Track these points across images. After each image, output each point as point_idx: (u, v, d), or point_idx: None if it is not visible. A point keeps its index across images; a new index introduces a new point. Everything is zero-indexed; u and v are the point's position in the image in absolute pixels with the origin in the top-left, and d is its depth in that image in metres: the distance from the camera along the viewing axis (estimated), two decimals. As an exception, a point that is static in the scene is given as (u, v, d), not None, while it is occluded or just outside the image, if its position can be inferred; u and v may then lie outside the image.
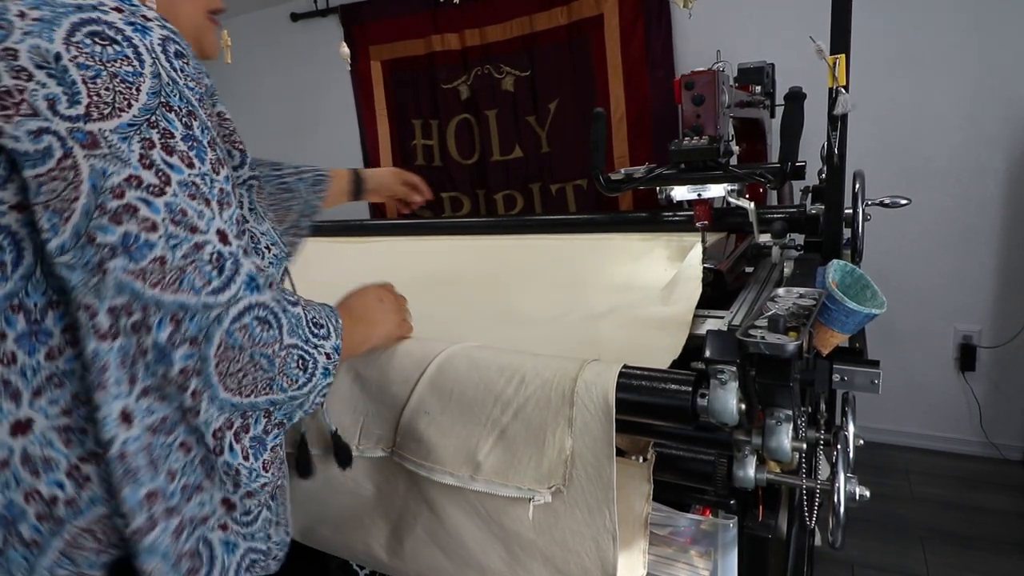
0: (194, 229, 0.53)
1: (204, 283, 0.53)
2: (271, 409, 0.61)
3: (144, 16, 0.55)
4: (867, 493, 0.73)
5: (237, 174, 0.68)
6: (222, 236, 0.55)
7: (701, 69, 1.20)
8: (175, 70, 0.55)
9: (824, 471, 0.77)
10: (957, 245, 2.19)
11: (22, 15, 0.51)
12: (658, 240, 1.46)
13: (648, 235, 1.49)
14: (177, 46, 0.57)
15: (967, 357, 2.24)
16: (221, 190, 0.57)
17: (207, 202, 0.55)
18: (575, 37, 2.51)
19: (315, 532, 0.97)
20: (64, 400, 0.55)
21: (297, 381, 0.61)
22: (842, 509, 0.72)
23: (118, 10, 0.54)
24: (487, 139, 2.76)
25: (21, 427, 0.55)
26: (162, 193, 0.52)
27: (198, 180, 0.54)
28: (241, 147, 0.69)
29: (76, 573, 0.57)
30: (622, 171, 1.34)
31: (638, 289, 1.24)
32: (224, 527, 0.63)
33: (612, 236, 1.56)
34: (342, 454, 0.86)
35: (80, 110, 0.50)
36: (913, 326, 2.28)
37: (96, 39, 0.51)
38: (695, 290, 1.05)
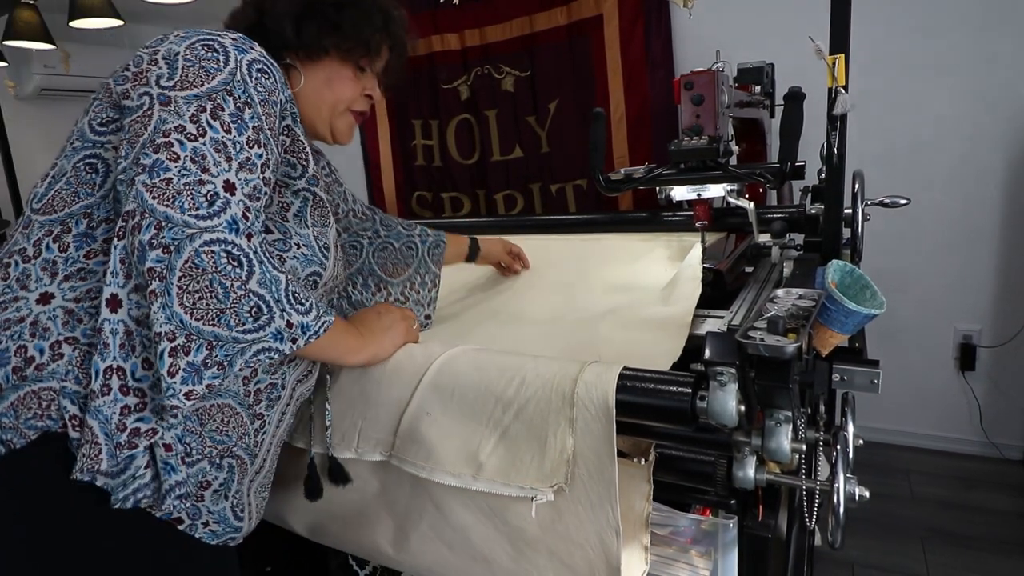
0: (204, 170, 0.66)
1: (191, 206, 0.64)
2: (213, 343, 0.66)
3: (251, 46, 0.74)
4: (867, 493, 0.73)
5: (295, 183, 0.81)
6: (228, 186, 0.67)
7: (701, 69, 1.20)
8: (250, 76, 0.72)
9: (824, 471, 0.77)
10: (957, 245, 2.19)
11: (177, 35, 0.73)
12: (658, 240, 1.46)
13: (648, 235, 1.50)
14: (263, 65, 0.74)
15: (967, 357, 2.24)
16: (247, 158, 0.69)
17: (228, 159, 0.68)
18: (575, 37, 2.51)
19: (322, 528, 0.98)
20: (80, 291, 0.71)
21: (244, 324, 0.66)
22: (842, 509, 0.72)
23: (233, 40, 0.73)
24: (487, 139, 2.76)
25: (45, 298, 0.70)
26: (195, 140, 0.66)
27: (228, 143, 0.68)
28: (305, 162, 0.81)
29: (15, 426, 0.68)
30: (622, 171, 1.35)
31: (638, 289, 1.24)
32: (167, 447, 0.70)
33: (612, 236, 1.56)
34: (336, 474, 0.90)
35: (172, 82, 0.69)
36: (913, 326, 2.28)
37: (205, 47, 0.71)
38: (695, 291, 1.05)
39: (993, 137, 2.08)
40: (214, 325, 0.64)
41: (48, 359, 0.68)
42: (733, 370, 0.68)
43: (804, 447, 0.74)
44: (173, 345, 0.64)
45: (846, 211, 1.15)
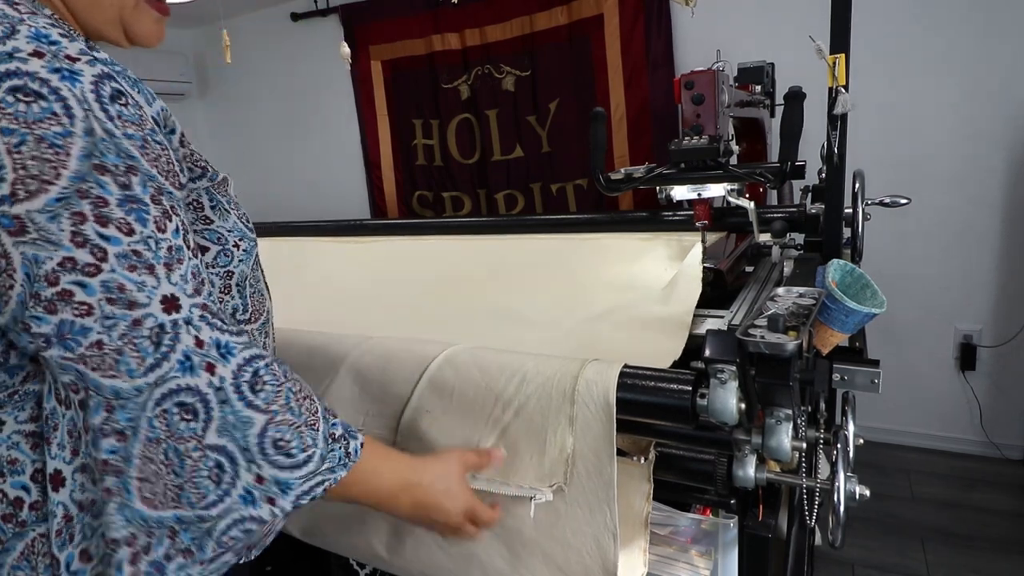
0: (132, 304, 0.49)
1: (138, 362, 0.49)
2: (176, 528, 0.52)
3: (68, 57, 0.49)
4: (867, 492, 0.73)
5: (195, 185, 0.64)
6: (167, 304, 0.50)
7: (701, 69, 1.20)
8: (111, 118, 0.49)
9: (824, 470, 0.77)
10: (957, 245, 2.19)
11: None
12: (658, 240, 1.46)
13: (648, 235, 1.50)
14: (113, 84, 0.51)
15: (967, 357, 2.24)
16: (170, 249, 0.51)
17: (150, 269, 0.50)
18: (575, 37, 2.51)
19: (317, 531, 0.98)
20: (29, 409, 0.55)
21: (205, 496, 0.51)
22: (842, 508, 0.72)
23: (38, 54, 0.47)
24: (488, 139, 2.77)
25: None
26: (98, 271, 0.48)
27: (139, 248, 0.49)
28: (203, 164, 0.64)
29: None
30: (622, 171, 1.34)
31: (638, 289, 1.24)
32: None
33: (612, 236, 1.56)
34: None
35: (5, 190, 0.45)
36: (913, 326, 2.28)
37: (19, 95, 0.46)
38: (695, 290, 1.05)
39: (993, 137, 2.08)
40: (175, 506, 0.51)
41: (39, 494, 0.55)
42: (734, 368, 0.68)
43: (804, 446, 0.74)
44: (134, 551, 0.52)
45: (846, 211, 1.15)
